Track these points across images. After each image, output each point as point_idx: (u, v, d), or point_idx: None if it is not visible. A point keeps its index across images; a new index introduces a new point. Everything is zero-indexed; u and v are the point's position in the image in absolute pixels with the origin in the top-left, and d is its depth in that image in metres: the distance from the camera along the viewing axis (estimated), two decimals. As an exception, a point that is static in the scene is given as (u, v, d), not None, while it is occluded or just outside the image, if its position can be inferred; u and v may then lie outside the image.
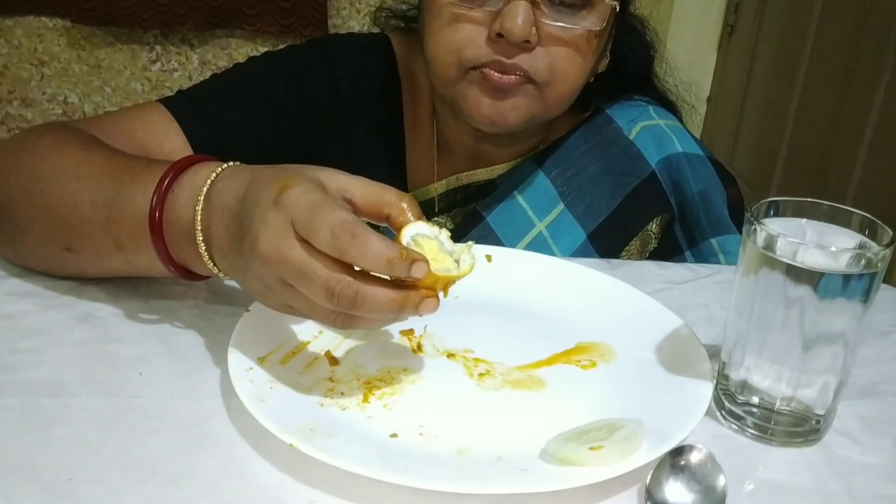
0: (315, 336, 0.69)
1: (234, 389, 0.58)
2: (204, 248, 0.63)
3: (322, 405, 0.60)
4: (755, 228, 0.58)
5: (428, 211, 1.00)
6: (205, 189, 0.63)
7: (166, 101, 0.89)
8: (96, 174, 0.70)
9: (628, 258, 0.97)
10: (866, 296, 0.56)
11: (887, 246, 0.56)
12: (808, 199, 0.61)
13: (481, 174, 1.00)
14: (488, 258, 0.81)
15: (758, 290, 0.58)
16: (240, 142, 0.91)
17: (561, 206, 0.98)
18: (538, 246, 0.97)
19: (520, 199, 0.98)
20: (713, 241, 0.95)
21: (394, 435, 0.58)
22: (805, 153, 2.29)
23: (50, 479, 0.53)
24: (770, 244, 0.57)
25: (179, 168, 0.66)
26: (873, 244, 0.58)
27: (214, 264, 0.64)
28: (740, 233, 0.93)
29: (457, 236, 0.59)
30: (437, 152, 1.02)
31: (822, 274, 0.55)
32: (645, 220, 0.98)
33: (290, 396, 0.60)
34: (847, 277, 0.55)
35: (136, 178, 0.67)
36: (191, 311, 0.73)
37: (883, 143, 1.88)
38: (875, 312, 0.59)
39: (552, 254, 0.96)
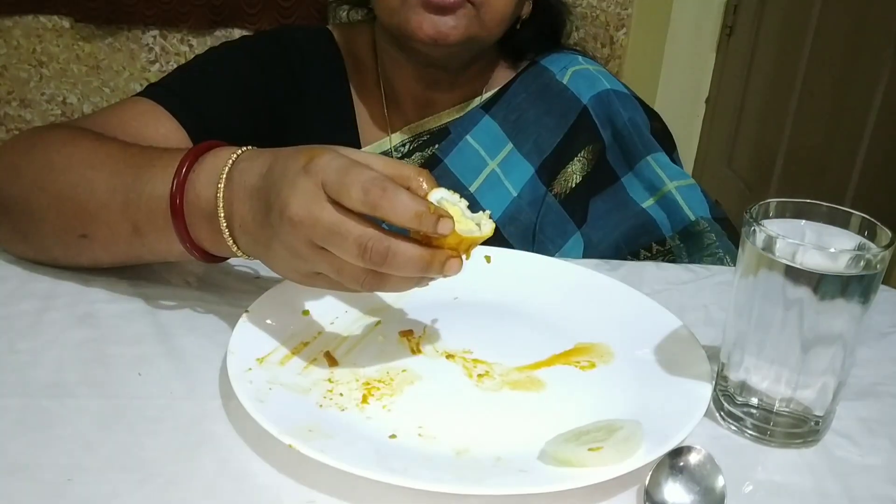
0: (314, 337, 0.69)
1: (233, 390, 0.58)
2: (225, 225, 0.65)
3: (321, 406, 0.60)
4: (754, 229, 0.58)
5: (386, 152, 1.08)
6: (226, 168, 0.64)
7: (145, 94, 0.92)
8: (111, 161, 0.71)
9: (562, 182, 1.06)
10: (865, 297, 0.56)
11: (886, 247, 0.56)
12: (807, 201, 0.61)
13: (431, 122, 1.08)
14: (487, 259, 0.81)
15: (757, 292, 0.58)
16: (223, 121, 0.95)
17: (510, 145, 1.07)
18: (492, 182, 1.06)
19: (472, 141, 1.07)
20: (649, 158, 1.04)
21: (393, 436, 0.58)
22: (804, 154, 2.29)
23: (49, 480, 0.53)
24: (769, 245, 0.57)
25: (199, 151, 0.67)
26: (872, 245, 0.58)
27: (235, 242, 0.65)
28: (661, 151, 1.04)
29: None
30: (388, 108, 1.10)
31: (821, 275, 0.55)
32: (577, 149, 1.06)
33: (289, 397, 0.60)
34: (846, 279, 0.55)
35: (153, 162, 0.69)
36: (190, 311, 0.73)
37: (882, 144, 1.89)
38: (874, 314, 0.59)
39: (505, 189, 1.05)
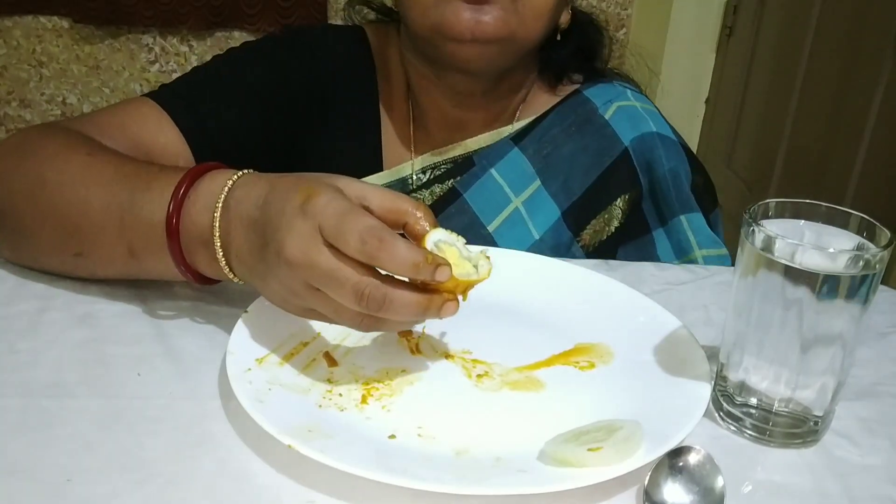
0: (314, 337, 0.69)
1: (232, 390, 0.58)
2: (221, 254, 0.64)
3: (320, 406, 0.60)
4: (754, 230, 0.58)
5: (405, 188, 1.03)
6: (223, 196, 0.64)
7: (153, 96, 0.90)
8: (105, 180, 0.70)
9: (593, 233, 1.00)
10: (865, 297, 0.56)
11: (885, 247, 0.56)
12: (807, 201, 0.61)
13: (457, 149, 1.02)
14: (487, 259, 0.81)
15: (756, 292, 0.58)
16: (229, 129, 0.92)
17: (537, 182, 1.00)
18: (514, 222, 0.99)
19: (497, 175, 1.00)
20: (682, 217, 0.97)
21: (392, 436, 0.58)
22: (803, 154, 2.29)
23: (48, 480, 0.53)
24: (768, 245, 0.57)
25: (195, 175, 0.66)
26: (872, 245, 0.58)
27: (231, 270, 0.65)
28: (704, 218, 0.97)
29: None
30: (414, 128, 1.04)
31: (820, 275, 0.55)
32: (613, 196, 0.99)
33: (289, 397, 0.60)
34: (845, 279, 0.55)
35: (150, 185, 0.68)
36: (189, 312, 0.73)
37: (881, 144, 1.89)
38: (873, 314, 0.59)
39: (527, 230, 0.99)
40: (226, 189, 0.64)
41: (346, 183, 0.62)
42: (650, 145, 0.99)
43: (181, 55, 2.64)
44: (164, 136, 0.87)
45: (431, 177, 1.03)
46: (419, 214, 0.62)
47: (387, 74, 1.05)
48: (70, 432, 0.57)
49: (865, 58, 1.95)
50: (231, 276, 0.65)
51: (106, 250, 0.70)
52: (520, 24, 0.89)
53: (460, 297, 0.60)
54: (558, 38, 0.98)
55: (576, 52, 1.03)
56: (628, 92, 1.04)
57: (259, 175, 0.65)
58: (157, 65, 2.66)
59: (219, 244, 0.64)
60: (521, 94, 1.03)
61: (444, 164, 1.03)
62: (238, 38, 2.63)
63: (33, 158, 0.74)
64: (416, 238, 0.61)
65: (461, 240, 0.62)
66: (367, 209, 0.60)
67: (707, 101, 2.85)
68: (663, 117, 1.04)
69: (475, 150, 1.02)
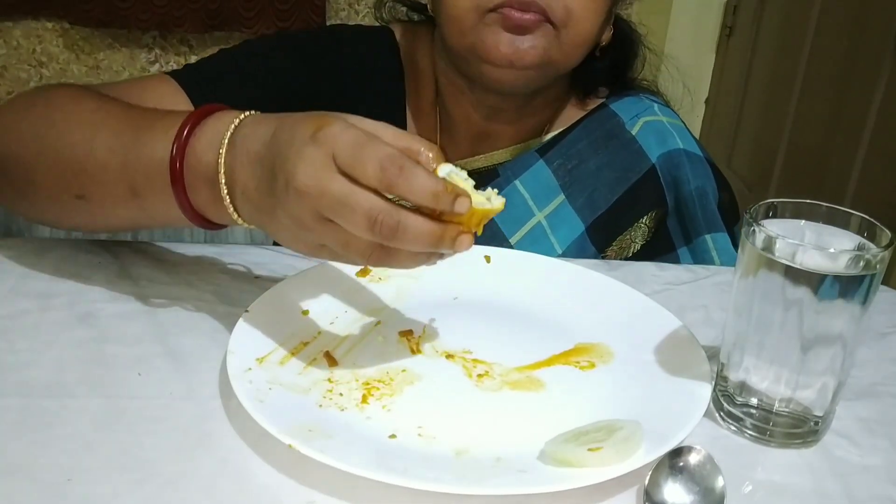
0: (314, 337, 0.69)
1: (232, 390, 0.58)
2: (226, 191, 0.63)
3: (321, 406, 0.60)
4: (754, 230, 0.58)
5: None
6: (228, 133, 0.62)
7: (174, 74, 0.90)
8: (112, 122, 0.70)
9: (618, 249, 0.98)
10: (865, 297, 0.56)
11: (886, 247, 0.56)
12: (807, 201, 0.61)
13: (482, 160, 1.00)
14: (487, 259, 0.81)
15: (756, 292, 0.58)
16: None
17: (561, 196, 0.98)
18: (536, 236, 0.98)
19: (521, 187, 0.98)
20: (708, 237, 0.96)
21: (392, 436, 0.58)
22: (803, 154, 2.29)
23: (49, 480, 0.53)
24: (769, 245, 0.57)
25: (201, 114, 0.65)
26: (872, 245, 0.58)
27: (236, 210, 0.64)
28: (729, 234, 0.95)
29: None
30: (441, 137, 1.03)
31: (820, 275, 0.55)
32: (639, 214, 0.98)
33: (289, 397, 0.60)
34: (846, 279, 0.55)
35: (154, 125, 0.67)
36: (190, 311, 0.73)
37: (881, 144, 1.89)
38: (874, 314, 0.59)
39: (549, 245, 0.97)
40: (232, 126, 0.63)
41: (357, 119, 0.60)
42: (677, 162, 0.98)
43: (181, 55, 2.64)
44: None
45: None
46: (431, 154, 0.60)
47: (415, 79, 1.03)
48: (70, 432, 0.57)
49: (865, 58, 1.95)
50: (235, 216, 0.64)
51: (109, 190, 0.69)
52: (560, 52, 0.88)
53: (475, 232, 0.58)
54: (597, 53, 0.97)
55: (611, 66, 1.02)
56: (655, 106, 1.02)
57: (266, 115, 0.64)
58: (156, 65, 2.66)
59: (223, 181, 0.62)
60: (552, 108, 1.01)
61: (469, 175, 1.01)
62: (238, 38, 2.62)
63: (43, 104, 0.74)
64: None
65: (469, 180, 0.59)
66: None
67: (707, 101, 2.85)
68: (689, 132, 1.02)
69: (500, 162, 1.00)
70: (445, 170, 0.59)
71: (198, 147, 0.64)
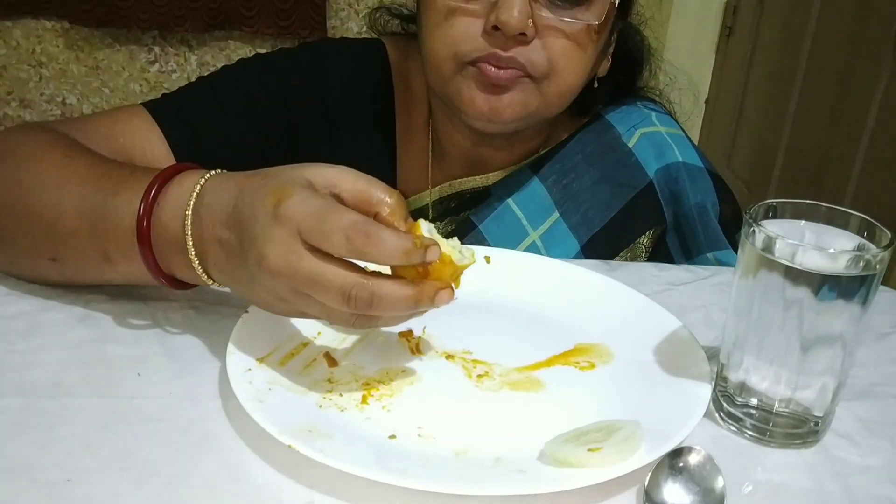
0: (314, 337, 0.69)
1: (232, 390, 0.58)
2: (197, 262, 0.63)
3: (320, 406, 0.60)
4: (754, 230, 0.58)
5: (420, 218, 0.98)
6: (191, 203, 0.62)
7: (149, 105, 0.88)
8: (78, 183, 0.68)
9: None
10: (865, 297, 0.56)
11: (886, 248, 0.56)
12: (807, 201, 0.61)
13: (476, 181, 0.98)
14: (487, 259, 0.81)
15: (756, 292, 0.58)
16: (224, 147, 0.89)
17: (556, 214, 0.96)
18: None
19: (514, 206, 0.96)
20: (710, 256, 0.93)
21: (392, 436, 0.58)
22: (803, 155, 2.29)
23: (48, 480, 0.53)
24: (769, 246, 0.57)
25: (164, 179, 0.64)
26: (872, 246, 0.58)
27: (209, 277, 0.64)
28: (732, 245, 0.93)
29: None
30: (432, 158, 1.01)
31: (820, 276, 0.55)
32: (637, 232, 0.96)
33: (289, 397, 0.60)
34: (846, 279, 0.55)
35: (118, 190, 0.66)
36: (189, 311, 0.73)
37: (881, 144, 1.89)
38: (873, 314, 0.59)
39: None
40: (194, 196, 0.62)
41: (315, 171, 0.59)
42: (675, 177, 0.95)
43: (181, 55, 2.64)
44: (150, 150, 0.85)
45: (446, 208, 0.99)
46: (390, 201, 0.59)
47: (406, 97, 1.00)
48: (70, 432, 0.57)
49: (865, 58, 1.95)
50: (210, 282, 0.64)
51: (81, 255, 0.69)
52: (543, 103, 0.86)
53: (452, 285, 0.58)
54: (595, 84, 0.94)
55: (613, 87, 0.99)
56: (653, 115, 0.99)
57: (227, 176, 0.63)
58: (156, 65, 2.66)
59: (193, 253, 0.62)
60: (546, 132, 0.98)
61: (462, 195, 0.98)
62: (238, 38, 2.63)
63: (11, 160, 0.72)
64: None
65: (441, 239, 0.59)
66: (337, 196, 0.58)
67: (707, 102, 2.85)
68: (689, 141, 1.00)
69: (494, 182, 0.98)
70: (424, 227, 0.59)
71: (163, 218, 0.64)
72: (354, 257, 0.54)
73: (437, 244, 0.56)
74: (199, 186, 0.63)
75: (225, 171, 0.65)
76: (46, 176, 0.70)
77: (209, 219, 0.61)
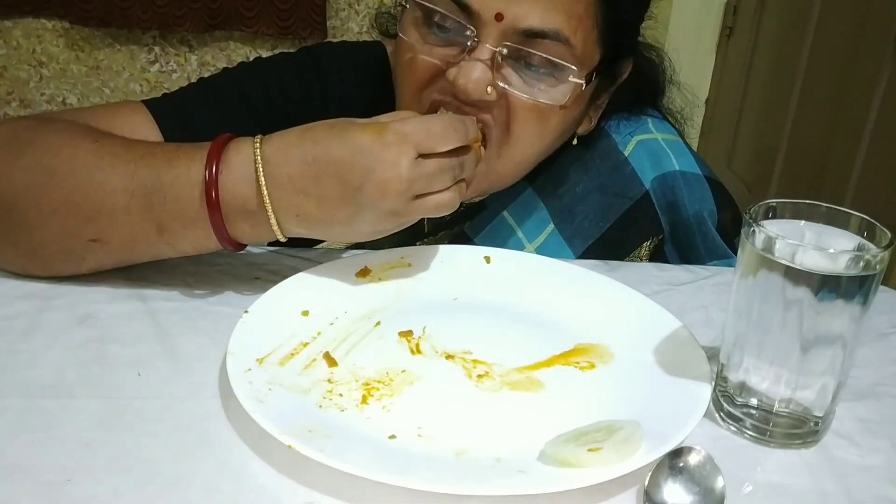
0: (314, 337, 0.69)
1: (232, 390, 0.58)
2: (275, 220, 0.68)
3: (320, 406, 0.60)
4: (754, 230, 0.58)
5: (416, 232, 0.96)
6: (259, 165, 0.67)
7: (149, 104, 0.88)
8: (122, 163, 0.70)
9: None
10: (865, 297, 0.56)
11: (886, 248, 0.56)
12: (807, 201, 0.61)
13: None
14: (487, 260, 0.81)
15: (756, 292, 0.58)
16: None
17: (551, 226, 0.94)
18: None
19: (509, 218, 0.95)
20: (709, 265, 0.91)
21: (392, 436, 0.58)
22: (803, 155, 2.29)
23: (48, 480, 0.53)
24: (769, 246, 0.57)
25: (221, 144, 0.69)
26: (872, 246, 0.58)
27: (283, 231, 0.69)
28: (731, 255, 0.91)
29: None
30: None
31: (820, 276, 0.55)
32: (634, 244, 0.94)
33: (289, 398, 0.60)
34: (846, 279, 0.55)
35: (171, 163, 0.69)
36: (189, 312, 0.73)
37: (881, 144, 1.89)
38: (874, 314, 0.59)
39: None
40: (258, 158, 0.67)
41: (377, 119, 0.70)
42: (672, 186, 0.93)
43: (181, 55, 2.64)
44: None
45: (439, 221, 0.97)
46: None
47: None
48: (70, 432, 0.57)
49: (865, 58, 1.95)
50: (282, 237, 0.70)
51: (129, 231, 0.70)
52: (498, 180, 0.85)
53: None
54: (574, 142, 0.91)
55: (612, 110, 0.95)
56: (649, 122, 0.97)
57: (280, 135, 0.69)
58: (157, 65, 2.66)
59: (270, 210, 0.67)
60: None
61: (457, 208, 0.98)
62: (238, 38, 2.63)
63: (34, 151, 0.72)
64: None
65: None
66: None
67: (707, 102, 2.86)
68: (687, 147, 0.97)
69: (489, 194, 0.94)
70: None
71: (229, 183, 0.68)
72: (459, 144, 0.69)
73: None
74: (257, 149, 0.68)
75: (263, 136, 0.70)
76: (81, 161, 0.71)
77: (284, 173, 0.67)
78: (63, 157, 0.71)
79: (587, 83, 0.80)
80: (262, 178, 0.67)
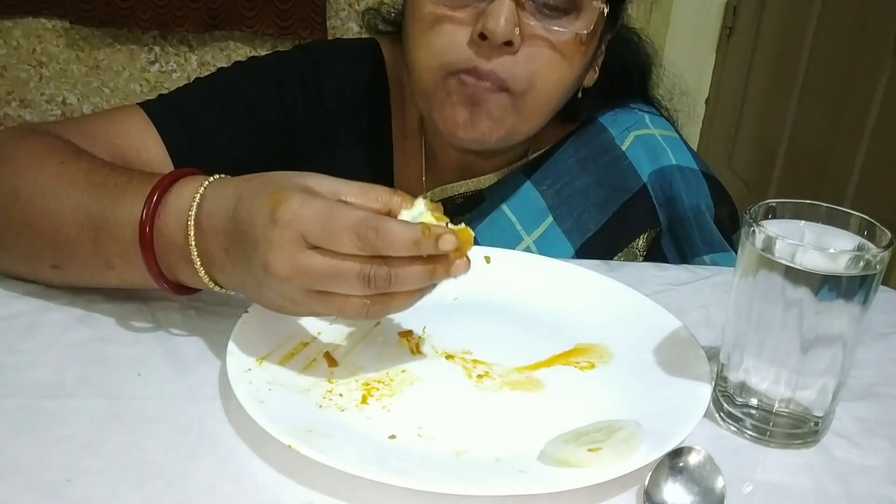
0: (314, 337, 0.69)
1: (232, 390, 0.58)
2: (203, 271, 0.63)
3: (320, 406, 0.60)
4: (754, 230, 0.58)
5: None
6: (192, 213, 0.62)
7: (146, 106, 0.88)
8: (76, 191, 0.68)
9: None
10: (865, 297, 0.56)
11: (886, 248, 0.56)
12: (807, 201, 0.61)
13: (468, 185, 0.98)
14: (487, 259, 0.81)
15: (756, 292, 0.58)
16: (220, 149, 0.89)
17: (549, 219, 0.96)
18: None
19: (508, 211, 0.96)
20: (706, 258, 0.93)
21: (392, 436, 0.58)
22: (803, 155, 2.29)
23: (49, 480, 0.53)
24: (769, 246, 0.57)
25: (163, 187, 0.65)
26: (872, 246, 0.58)
27: (216, 283, 0.64)
28: (728, 250, 0.92)
29: None
30: (425, 162, 1.00)
31: (820, 276, 0.55)
32: (632, 236, 0.95)
33: (289, 398, 0.60)
34: (846, 279, 0.55)
35: (119, 199, 0.66)
36: (189, 311, 0.73)
37: (881, 144, 1.89)
38: (873, 314, 0.59)
39: None
40: (194, 205, 0.62)
41: (318, 181, 0.59)
42: (669, 180, 0.94)
43: (181, 55, 2.64)
44: (146, 151, 0.85)
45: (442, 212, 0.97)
46: (398, 199, 0.60)
47: (401, 97, 1.00)
48: (70, 432, 0.57)
49: (865, 58, 1.95)
50: (216, 287, 0.65)
51: (84, 262, 0.69)
52: (520, 119, 0.85)
53: (469, 254, 0.59)
54: (579, 94, 0.92)
55: (601, 97, 0.97)
56: (647, 118, 0.99)
57: (226, 182, 0.63)
58: (157, 65, 2.66)
59: (199, 262, 0.63)
60: (535, 137, 0.95)
61: (454, 200, 0.98)
62: (238, 38, 2.63)
63: (7, 167, 0.72)
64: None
65: (442, 218, 0.60)
66: (342, 202, 0.59)
67: (707, 101, 2.86)
68: (684, 143, 0.99)
69: (487, 186, 0.97)
70: (416, 211, 0.59)
71: (165, 229, 0.64)
72: (367, 253, 0.55)
73: (451, 232, 0.56)
74: (198, 195, 0.63)
75: (224, 175, 0.65)
76: (43, 184, 0.69)
77: (210, 225, 0.61)
78: (28, 178, 0.70)
79: (607, 4, 0.83)
80: (192, 230, 0.62)
